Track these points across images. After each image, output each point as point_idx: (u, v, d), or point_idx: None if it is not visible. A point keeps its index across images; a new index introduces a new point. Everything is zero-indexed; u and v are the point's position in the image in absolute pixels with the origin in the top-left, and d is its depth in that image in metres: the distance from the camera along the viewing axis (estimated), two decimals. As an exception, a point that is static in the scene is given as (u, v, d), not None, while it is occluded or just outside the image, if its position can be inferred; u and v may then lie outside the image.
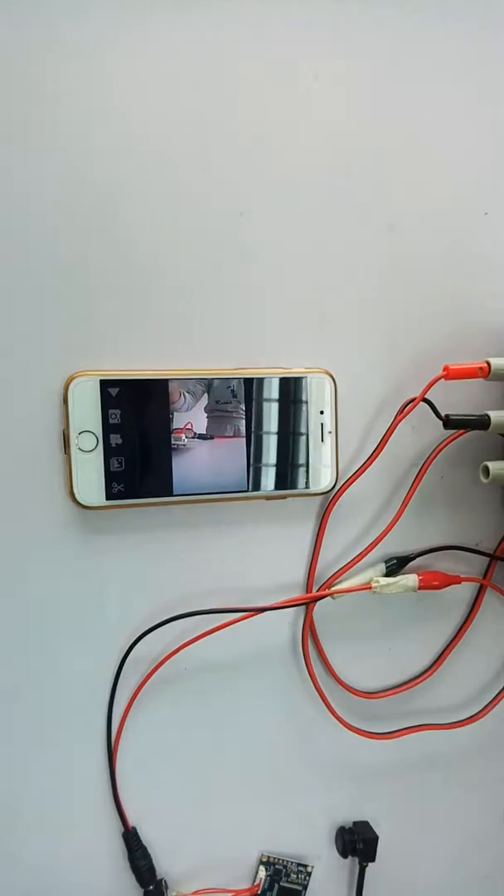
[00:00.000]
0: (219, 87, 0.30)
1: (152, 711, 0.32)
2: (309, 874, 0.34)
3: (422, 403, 0.32)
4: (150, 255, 0.30)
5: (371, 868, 0.34)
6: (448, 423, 0.32)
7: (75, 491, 0.29)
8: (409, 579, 0.33)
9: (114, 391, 0.29)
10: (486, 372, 0.32)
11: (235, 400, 0.31)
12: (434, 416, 0.32)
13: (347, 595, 0.33)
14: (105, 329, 0.30)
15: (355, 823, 0.34)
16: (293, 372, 0.32)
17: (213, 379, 0.30)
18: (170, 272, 0.30)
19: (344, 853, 0.34)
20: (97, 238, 0.29)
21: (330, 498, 0.33)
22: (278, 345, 0.32)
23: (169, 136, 0.30)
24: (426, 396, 0.32)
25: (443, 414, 0.32)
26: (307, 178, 0.32)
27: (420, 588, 0.33)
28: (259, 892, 0.33)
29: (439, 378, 0.32)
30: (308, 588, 0.33)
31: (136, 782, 0.32)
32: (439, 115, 0.33)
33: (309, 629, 0.33)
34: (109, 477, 0.30)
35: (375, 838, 0.34)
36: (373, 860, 0.34)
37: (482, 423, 0.33)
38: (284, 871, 0.33)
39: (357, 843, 0.33)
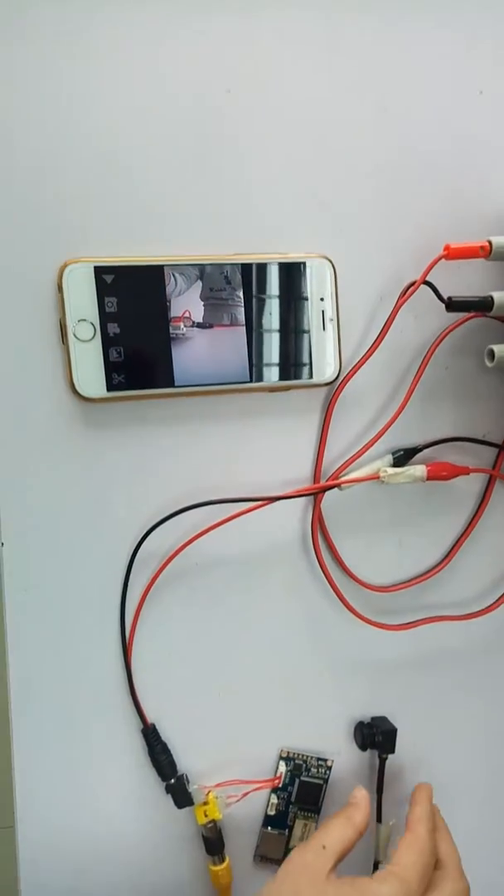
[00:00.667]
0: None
1: (165, 608, 0.32)
2: (329, 768, 0.34)
3: (424, 289, 0.32)
4: (138, 138, 0.29)
5: (389, 761, 0.35)
6: (451, 305, 0.32)
7: (75, 382, 0.29)
8: (417, 469, 0.33)
9: (109, 278, 0.29)
10: (487, 251, 0.32)
11: (230, 287, 0.30)
12: (436, 301, 0.32)
13: (356, 487, 0.33)
14: (97, 217, 0.29)
15: (373, 718, 0.35)
16: (291, 257, 0.31)
17: (208, 265, 0.30)
18: (160, 155, 0.30)
19: (363, 746, 0.34)
20: (85, 123, 0.29)
21: (334, 389, 0.32)
22: (274, 230, 0.31)
23: (153, 14, 0.29)
24: (428, 279, 0.32)
25: (445, 297, 0.32)
26: (295, 55, 0.31)
27: (428, 478, 0.33)
28: (280, 785, 0.33)
29: (440, 258, 0.31)
30: (315, 480, 0.33)
31: (152, 680, 0.32)
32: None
33: (318, 522, 0.33)
34: (109, 367, 0.29)
35: (394, 730, 0.34)
36: (392, 752, 0.34)
37: (485, 304, 0.32)
38: (305, 765, 0.34)
39: (376, 735, 0.34)
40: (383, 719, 0.35)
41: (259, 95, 0.30)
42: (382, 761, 0.34)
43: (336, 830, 0.30)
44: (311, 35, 0.31)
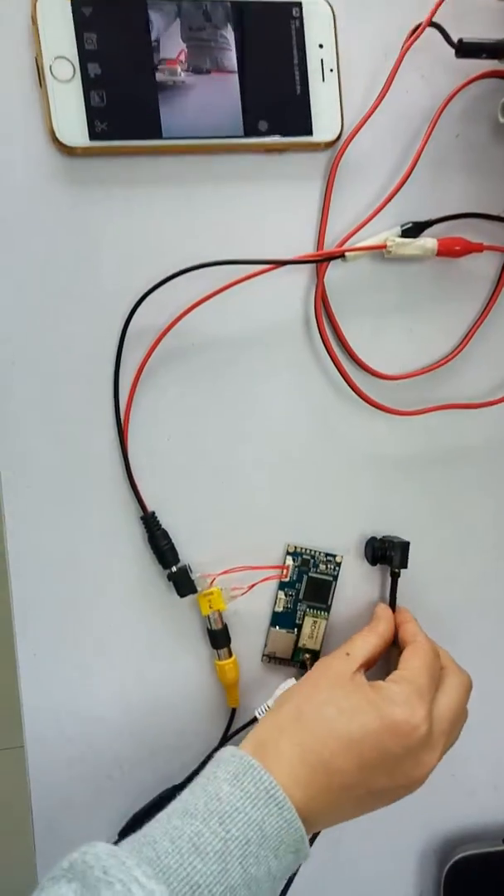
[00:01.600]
0: None
1: (161, 390, 0.30)
2: (338, 564, 0.33)
3: (432, 44, 0.29)
4: None
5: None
6: (461, 48, 0.30)
7: (55, 128, 0.27)
8: (428, 241, 0.31)
9: (87, 10, 0.27)
10: (501, -15, 0.29)
11: (217, 28, 0.28)
12: (445, 58, 0.30)
13: (362, 264, 0.31)
14: None
15: (384, 536, 0.33)
16: (286, -4, 0.29)
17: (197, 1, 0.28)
18: None
19: (374, 561, 0.32)
20: None
21: (336, 151, 0.30)
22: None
23: None
24: (435, 20, 0.29)
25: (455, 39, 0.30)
26: None
27: (439, 253, 0.31)
28: (287, 580, 0.33)
29: (446, -4, 0.29)
30: (318, 249, 0.31)
31: (150, 466, 0.31)
32: None
33: (322, 300, 0.31)
34: (91, 113, 0.27)
35: (407, 544, 0.32)
36: (405, 567, 0.32)
37: (499, 47, 0.30)
38: (313, 561, 0.33)
39: (388, 550, 0.32)
40: (395, 538, 0.33)
41: None
42: (395, 576, 0.32)
43: (360, 639, 0.30)
44: None
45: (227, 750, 0.26)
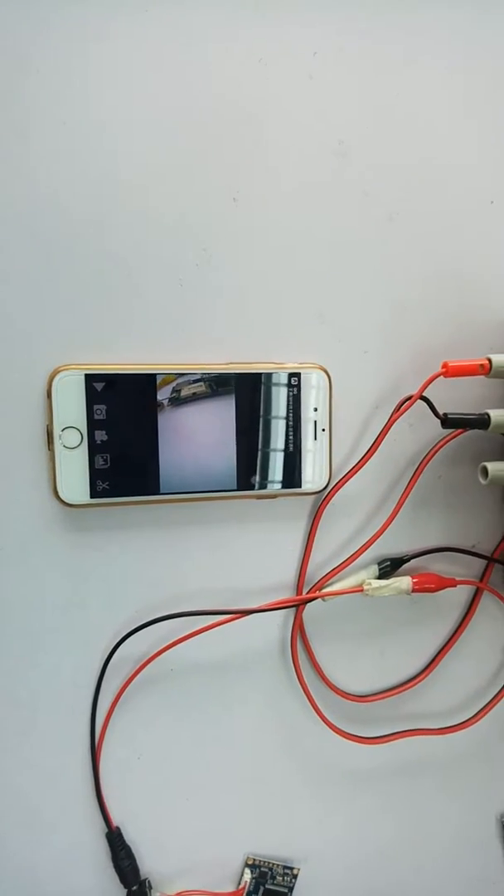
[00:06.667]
0: (208, 65, 0.31)
1: (137, 712, 0.34)
2: (295, 876, 0.36)
3: (419, 401, 0.34)
4: (138, 243, 0.31)
5: (362, 873, 0.37)
6: (446, 422, 0.34)
7: (59, 489, 0.31)
8: (403, 582, 0.35)
9: (99, 386, 0.31)
10: (486, 369, 0.33)
11: (222, 396, 0.32)
12: (432, 414, 0.34)
13: (339, 597, 0.35)
14: (91, 322, 0.31)
15: None
16: (286, 367, 0.33)
17: (201, 374, 0.32)
18: (158, 261, 0.31)
19: None
20: (84, 226, 0.31)
21: (322, 498, 0.34)
22: (271, 338, 0.33)
23: (155, 117, 0.31)
24: (424, 394, 0.33)
25: (441, 412, 0.34)
26: (303, 163, 0.33)
27: (414, 591, 0.35)
28: (244, 894, 0.35)
29: (438, 375, 0.33)
30: (298, 590, 0.35)
31: (120, 782, 0.34)
32: (443, 98, 0.34)
33: (298, 632, 0.35)
34: (94, 475, 0.31)
35: None
36: None
37: (482, 422, 0.34)
38: (270, 873, 0.36)
39: None
40: None
41: (264, 204, 0.32)
42: None
43: None
44: (318, 143, 0.33)
45: None
